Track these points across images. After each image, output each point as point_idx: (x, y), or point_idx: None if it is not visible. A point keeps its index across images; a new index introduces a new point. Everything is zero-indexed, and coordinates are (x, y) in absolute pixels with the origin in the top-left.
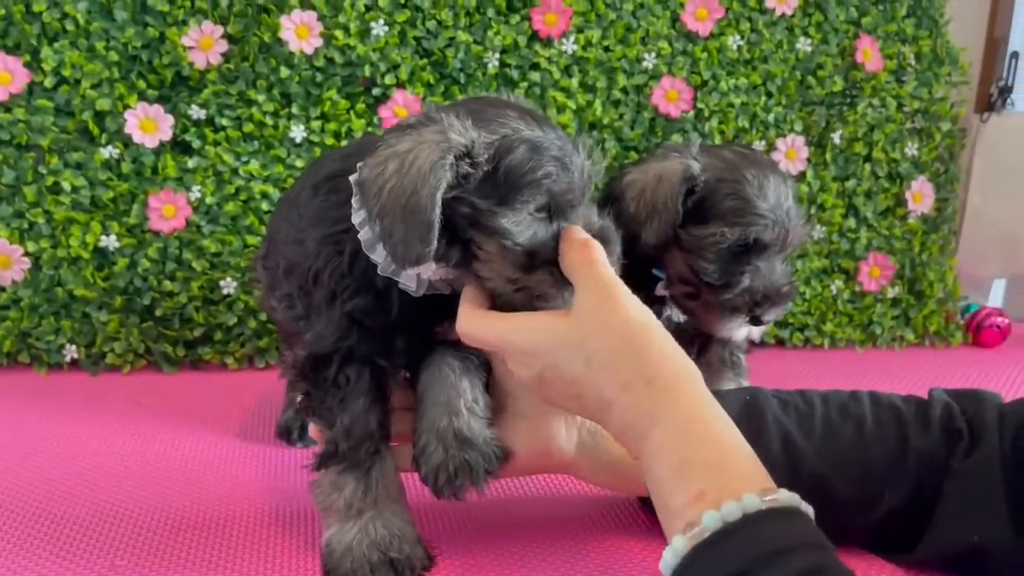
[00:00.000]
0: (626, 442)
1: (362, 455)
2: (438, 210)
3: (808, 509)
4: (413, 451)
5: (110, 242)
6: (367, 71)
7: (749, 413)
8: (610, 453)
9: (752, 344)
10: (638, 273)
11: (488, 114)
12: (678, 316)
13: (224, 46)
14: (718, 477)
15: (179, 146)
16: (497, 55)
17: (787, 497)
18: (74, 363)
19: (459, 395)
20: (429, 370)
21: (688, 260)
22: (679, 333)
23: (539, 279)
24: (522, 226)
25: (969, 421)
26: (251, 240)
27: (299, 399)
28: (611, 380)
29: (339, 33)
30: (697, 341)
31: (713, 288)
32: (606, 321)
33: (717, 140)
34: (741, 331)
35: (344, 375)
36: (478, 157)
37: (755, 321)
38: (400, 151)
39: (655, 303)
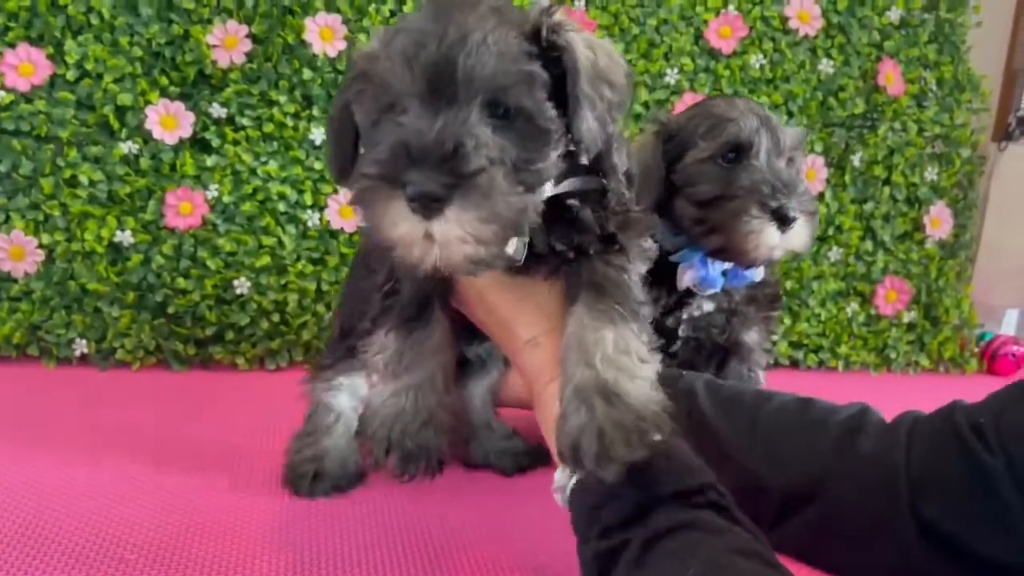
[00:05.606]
0: (528, 385)
1: (411, 313)
2: (338, 126)
3: None
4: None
5: (125, 237)
6: None
7: None
8: None
9: (768, 365)
10: (656, 268)
11: (404, 21)
12: (699, 310)
13: (248, 46)
14: None
15: (198, 144)
16: None
17: None
18: (83, 358)
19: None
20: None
21: (686, 196)
22: (697, 350)
23: None
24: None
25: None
26: (267, 240)
27: None
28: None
29: (363, 37)
30: (716, 358)
31: (718, 204)
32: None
33: None
34: (770, 236)
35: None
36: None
37: (780, 218)
38: None
39: (680, 302)
